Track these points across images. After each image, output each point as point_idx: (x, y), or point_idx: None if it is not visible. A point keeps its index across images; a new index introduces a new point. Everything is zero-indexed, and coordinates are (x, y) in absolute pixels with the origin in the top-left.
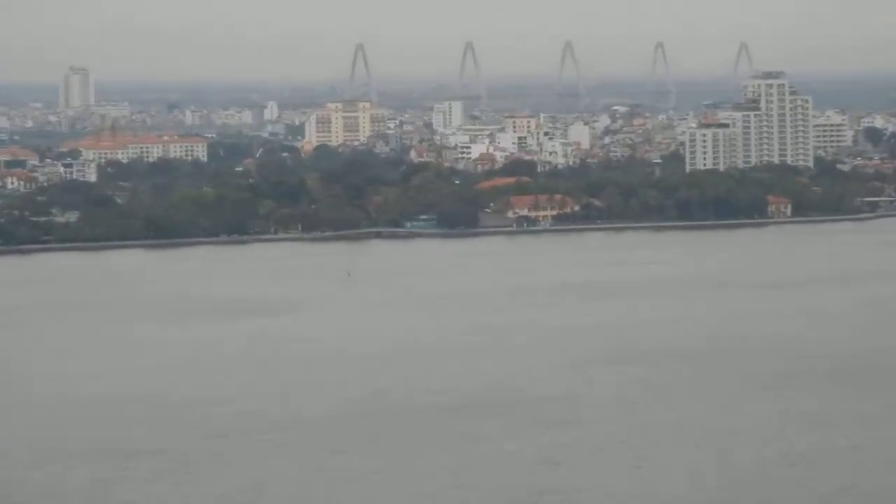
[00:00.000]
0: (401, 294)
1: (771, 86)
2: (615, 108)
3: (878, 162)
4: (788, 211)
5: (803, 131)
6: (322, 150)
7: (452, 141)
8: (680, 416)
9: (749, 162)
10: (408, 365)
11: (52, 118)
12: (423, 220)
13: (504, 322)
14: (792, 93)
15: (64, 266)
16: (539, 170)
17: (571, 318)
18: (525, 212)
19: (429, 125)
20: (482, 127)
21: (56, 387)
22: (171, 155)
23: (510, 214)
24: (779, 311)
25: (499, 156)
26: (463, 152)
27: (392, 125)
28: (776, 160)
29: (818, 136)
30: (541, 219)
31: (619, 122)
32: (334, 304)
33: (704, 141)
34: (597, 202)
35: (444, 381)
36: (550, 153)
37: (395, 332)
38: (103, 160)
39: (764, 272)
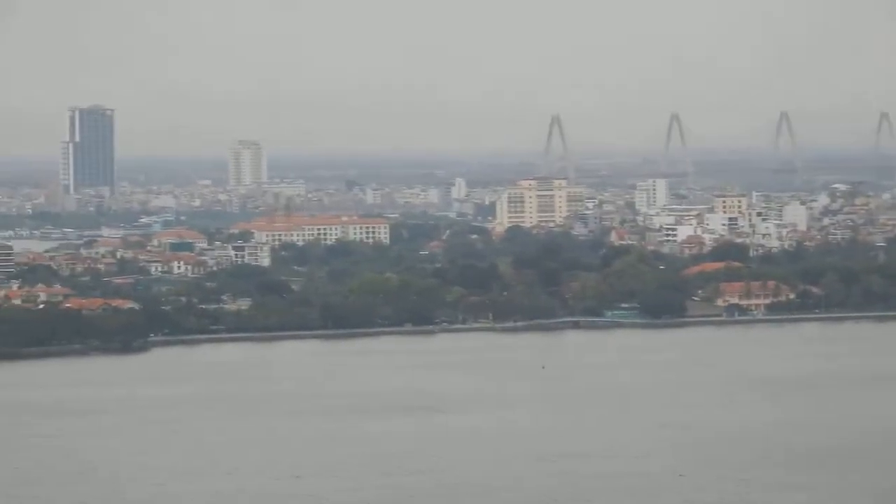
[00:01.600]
0: (597, 390)
1: None
2: (835, 185)
3: None
4: None
5: None
6: (514, 231)
7: (656, 222)
8: None
9: None
10: (604, 467)
11: (222, 196)
12: (625, 308)
13: (710, 420)
14: None
15: (233, 358)
16: (751, 254)
17: (782, 415)
18: (736, 300)
19: (630, 205)
20: (689, 207)
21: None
22: (351, 237)
23: (720, 303)
24: None
25: (707, 238)
26: (668, 235)
27: (591, 205)
28: None
29: None
30: (753, 307)
31: (840, 201)
32: (525, 400)
33: None
34: (815, 289)
35: (645, 484)
36: (764, 235)
37: (589, 432)
38: (277, 243)
39: None
